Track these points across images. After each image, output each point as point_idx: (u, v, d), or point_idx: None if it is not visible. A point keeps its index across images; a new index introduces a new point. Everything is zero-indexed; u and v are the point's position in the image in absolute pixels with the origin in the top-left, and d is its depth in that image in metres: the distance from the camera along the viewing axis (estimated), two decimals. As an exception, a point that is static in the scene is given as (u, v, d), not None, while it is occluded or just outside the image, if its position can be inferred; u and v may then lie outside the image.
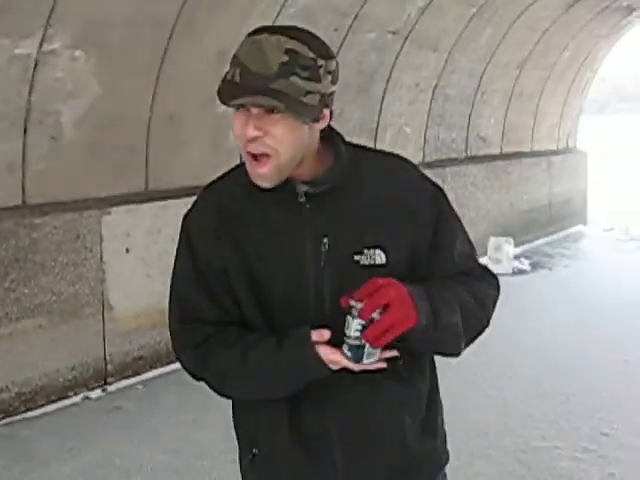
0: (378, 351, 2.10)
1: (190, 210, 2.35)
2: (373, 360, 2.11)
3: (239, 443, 2.47)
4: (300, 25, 2.19)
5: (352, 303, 2.04)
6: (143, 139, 7.09)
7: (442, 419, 2.51)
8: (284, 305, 2.24)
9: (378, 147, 9.99)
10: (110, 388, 6.82)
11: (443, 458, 2.51)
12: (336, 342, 2.10)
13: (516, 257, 12.00)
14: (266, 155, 2.10)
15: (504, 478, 5.23)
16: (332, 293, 2.18)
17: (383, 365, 2.14)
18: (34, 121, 6.29)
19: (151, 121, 7.10)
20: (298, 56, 2.03)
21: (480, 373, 7.17)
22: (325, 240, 2.21)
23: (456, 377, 6.78)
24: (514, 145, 13.47)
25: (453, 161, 11.71)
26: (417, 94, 10.69)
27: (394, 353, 2.15)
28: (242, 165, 2.29)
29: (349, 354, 2.09)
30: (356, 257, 2.19)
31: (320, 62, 2.07)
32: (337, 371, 2.13)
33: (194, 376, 2.35)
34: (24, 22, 5.95)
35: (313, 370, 2.13)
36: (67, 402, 6.52)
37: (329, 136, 2.28)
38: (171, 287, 2.37)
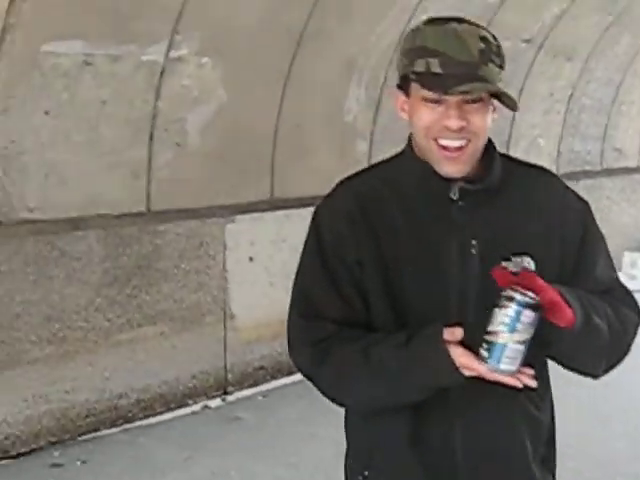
0: (519, 359, 1.87)
1: (323, 201, 2.23)
2: (510, 370, 1.88)
3: (347, 461, 2.32)
4: (491, 34, 1.99)
5: (512, 292, 1.85)
6: (269, 147, 6.87)
7: (555, 457, 2.34)
8: (421, 309, 2.08)
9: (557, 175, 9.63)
10: (230, 398, 6.64)
11: None
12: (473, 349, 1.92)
13: (652, 273, 11.38)
14: (466, 143, 1.99)
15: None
16: (476, 301, 2.03)
17: (518, 384, 1.92)
18: (160, 128, 6.13)
19: (278, 129, 6.88)
20: (490, 43, 1.98)
21: (609, 400, 6.71)
22: (474, 243, 2.08)
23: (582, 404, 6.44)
24: (652, 158, 12.81)
25: (587, 174, 11.21)
26: (552, 104, 10.26)
27: (531, 372, 1.93)
28: (381, 164, 2.27)
29: (486, 354, 1.87)
30: (504, 263, 2.01)
31: (502, 49, 2.02)
32: (468, 379, 1.92)
33: (307, 376, 2.18)
34: (151, 29, 5.80)
35: (442, 372, 1.92)
36: (186, 410, 6.35)
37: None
38: (295, 279, 2.23)
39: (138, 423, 6.06)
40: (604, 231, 8.12)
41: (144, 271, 6.03)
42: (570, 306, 1.92)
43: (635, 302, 2.25)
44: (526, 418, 2.17)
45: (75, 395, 5.74)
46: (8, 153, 5.36)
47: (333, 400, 2.17)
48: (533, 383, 1.93)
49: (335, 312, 2.09)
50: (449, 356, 1.89)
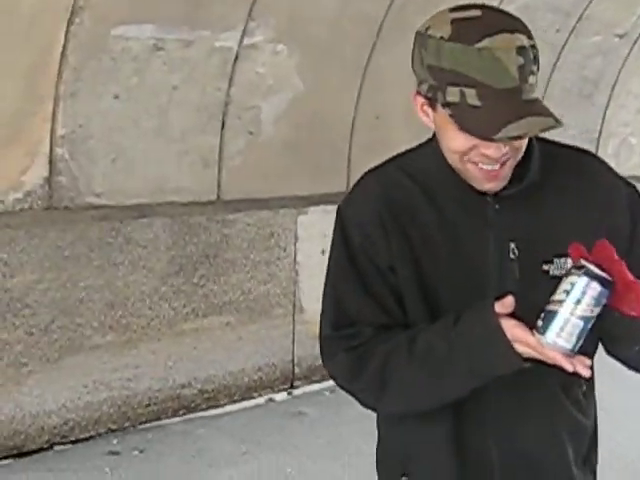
0: (575, 337, 1.63)
1: (347, 200, 2.00)
2: (564, 347, 1.63)
3: (381, 462, 2.12)
4: (528, 29, 1.67)
5: (584, 262, 1.63)
6: (346, 138, 6.62)
7: (597, 455, 2.11)
8: (462, 292, 1.86)
9: (600, 157, 9.31)
10: (296, 392, 6.42)
11: None
12: None
13: None
14: (504, 164, 1.77)
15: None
16: (516, 307, 1.70)
17: (570, 367, 1.64)
18: (232, 116, 5.93)
19: (355, 120, 6.63)
20: (527, 51, 1.67)
21: None
22: (512, 246, 1.86)
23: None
24: None
25: (679, 175, 10.73)
26: (645, 103, 9.82)
27: (589, 362, 1.68)
28: (406, 154, 2.03)
29: (541, 324, 1.64)
30: (545, 266, 1.84)
31: (537, 49, 1.72)
32: (527, 360, 1.69)
33: (345, 387, 1.97)
34: (225, 14, 5.59)
35: (497, 350, 1.68)
36: (250, 403, 6.14)
37: None
38: (325, 287, 2.01)
39: (200, 414, 5.87)
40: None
41: (212, 260, 5.83)
42: None
43: None
44: (570, 424, 1.96)
45: (137, 383, 5.57)
46: (75, 137, 5.21)
47: (376, 409, 2.00)
48: (587, 372, 1.67)
49: (371, 317, 1.89)
50: (499, 326, 1.67)
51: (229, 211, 5.92)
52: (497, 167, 1.75)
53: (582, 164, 1.98)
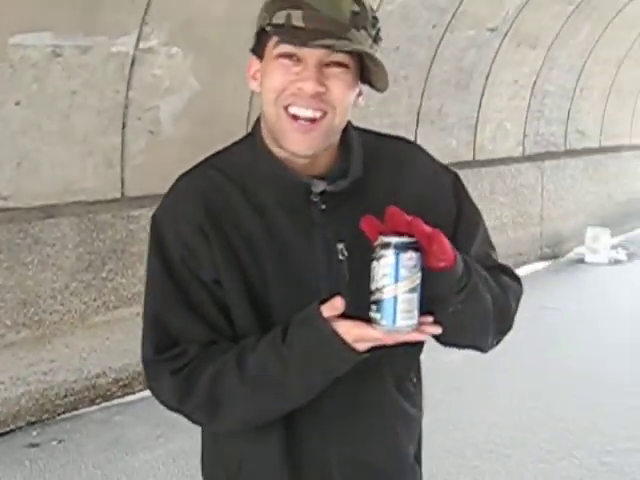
0: (414, 309, 1.51)
1: (162, 207, 1.78)
2: (410, 324, 1.51)
3: (207, 474, 1.92)
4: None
5: (384, 239, 1.50)
6: (242, 132, 6.56)
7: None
8: (289, 301, 1.68)
9: (478, 143, 9.48)
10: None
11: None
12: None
13: (613, 247, 11.25)
14: (322, 115, 1.61)
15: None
16: (351, 302, 1.54)
17: (422, 337, 1.58)
18: (132, 117, 5.88)
19: (250, 115, 6.60)
20: (365, 10, 1.59)
21: (562, 371, 6.48)
22: (341, 247, 1.70)
23: (537, 371, 6.25)
24: (612, 139, 12.73)
25: (552, 154, 11.05)
26: (517, 90, 10.04)
27: (430, 319, 1.58)
28: (221, 153, 1.83)
29: (377, 316, 1.50)
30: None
31: (378, 25, 1.64)
32: (369, 351, 1.55)
33: (175, 409, 1.74)
34: (120, 20, 5.53)
35: (335, 354, 1.55)
36: (163, 388, 6.06)
37: None
38: (144, 309, 1.79)
39: (116, 401, 5.84)
40: (568, 208, 8.20)
41: (119, 255, 5.78)
42: (455, 256, 1.57)
43: (514, 273, 1.92)
44: (403, 417, 1.85)
45: (53, 376, 5.51)
46: (-20, 143, 5.10)
47: (211, 428, 1.82)
48: (438, 330, 1.58)
49: (196, 335, 1.69)
50: (334, 331, 1.52)
51: (133, 207, 5.86)
52: (310, 115, 1.60)
53: (404, 154, 1.85)
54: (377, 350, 1.57)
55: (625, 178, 12.88)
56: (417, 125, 8.54)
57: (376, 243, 1.52)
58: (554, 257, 10.88)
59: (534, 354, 6.66)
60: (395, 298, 1.50)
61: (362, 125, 1.87)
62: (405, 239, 1.50)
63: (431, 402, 2.09)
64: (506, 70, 9.64)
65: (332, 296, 1.55)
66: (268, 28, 1.58)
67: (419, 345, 1.79)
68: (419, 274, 1.52)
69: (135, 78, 5.78)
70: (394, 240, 1.49)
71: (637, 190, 13.31)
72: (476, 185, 9.28)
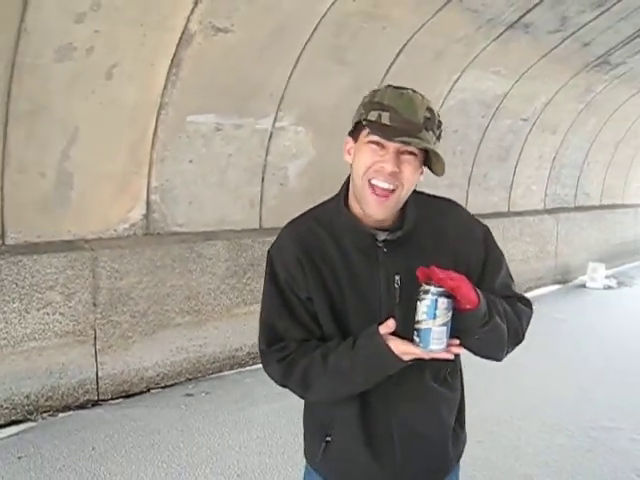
0: (444, 337, 1.52)
1: (274, 245, 1.78)
2: (440, 348, 1.53)
3: (309, 433, 1.91)
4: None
5: (427, 287, 1.51)
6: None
7: (465, 411, 1.96)
8: (360, 330, 1.64)
9: (512, 199, 9.20)
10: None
11: (464, 444, 1.97)
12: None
13: (607, 277, 10.68)
14: (394, 189, 1.59)
15: (576, 449, 4.24)
16: (402, 321, 1.57)
17: (450, 356, 1.56)
18: (269, 173, 5.81)
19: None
20: (434, 116, 1.58)
21: (564, 364, 6.14)
22: (397, 278, 1.67)
23: (546, 365, 5.94)
24: (610, 199, 12.20)
25: (565, 209, 10.60)
26: (541, 163, 9.67)
27: (457, 342, 1.57)
28: (319, 207, 1.82)
29: (418, 340, 1.53)
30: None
31: (442, 127, 1.63)
32: (410, 362, 1.58)
33: (281, 385, 1.79)
34: (263, 107, 5.48)
35: (386, 361, 1.57)
36: (281, 360, 5.97)
37: None
38: (261, 314, 1.79)
39: (248, 368, 5.73)
40: (575, 248, 7.83)
41: (255, 268, 5.71)
42: (475, 291, 1.55)
43: (529, 301, 1.85)
44: (442, 400, 1.80)
45: (205, 348, 5.46)
46: (164, 188, 5.11)
47: (305, 399, 1.82)
48: (461, 350, 1.60)
49: (294, 334, 1.71)
50: (386, 345, 1.54)
51: (267, 235, 5.76)
52: (387, 186, 1.58)
53: (446, 210, 1.80)
54: (418, 360, 1.59)
55: (618, 227, 12.32)
56: (469, 185, 8.29)
57: (421, 288, 1.52)
58: (564, 282, 10.46)
59: (546, 351, 6.36)
60: (430, 330, 1.51)
61: (432, 182, 1.83)
62: (441, 289, 1.50)
63: (466, 380, 1.98)
64: (533, 148, 9.28)
65: (387, 318, 1.57)
66: (364, 122, 1.57)
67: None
68: (450, 313, 1.52)
69: (272, 147, 5.72)
70: (433, 289, 1.50)
71: (626, 236, 12.73)
72: (509, 229, 9.00)
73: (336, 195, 1.80)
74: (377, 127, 1.55)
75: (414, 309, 1.54)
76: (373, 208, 1.62)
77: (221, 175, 5.45)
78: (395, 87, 1.62)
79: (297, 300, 1.71)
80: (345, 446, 1.79)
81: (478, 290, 1.57)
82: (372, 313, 1.66)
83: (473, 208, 8.14)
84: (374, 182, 1.59)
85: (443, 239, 1.71)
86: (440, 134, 1.63)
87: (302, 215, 1.83)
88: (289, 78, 5.45)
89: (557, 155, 9.91)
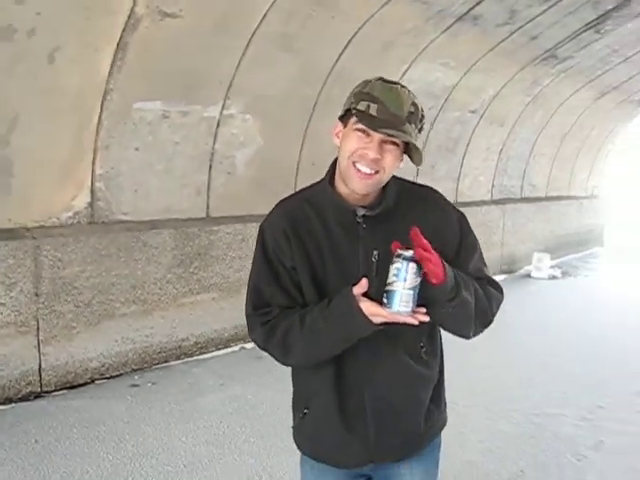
0: (411, 302, 1.62)
1: (266, 220, 1.90)
2: (406, 311, 1.62)
3: (294, 401, 2.02)
4: (421, 106, 1.76)
5: (400, 251, 1.63)
6: (293, 176, 6.49)
7: (444, 392, 2.06)
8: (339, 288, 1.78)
9: (460, 190, 9.34)
10: (259, 342, 6.23)
11: (442, 425, 2.06)
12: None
13: (552, 267, 10.98)
14: (375, 172, 1.71)
15: (520, 436, 4.36)
16: (375, 292, 1.68)
17: (414, 321, 1.66)
18: (216, 162, 5.79)
19: (299, 164, 6.51)
20: (417, 110, 1.72)
21: (509, 352, 6.30)
22: (375, 253, 1.79)
23: (492, 353, 6.08)
24: (555, 191, 12.48)
25: (512, 200, 10.83)
26: (488, 154, 9.84)
27: (423, 310, 1.67)
28: (308, 188, 1.93)
29: (386, 301, 1.63)
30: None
31: (424, 121, 1.77)
32: (380, 326, 1.68)
33: (263, 349, 1.89)
34: (210, 95, 5.45)
35: (356, 321, 1.68)
36: (229, 350, 5.98)
37: None
38: (249, 280, 1.91)
39: (195, 358, 5.72)
40: (522, 238, 8.03)
41: (202, 257, 5.70)
42: (444, 268, 1.66)
43: (499, 286, 1.95)
44: (417, 376, 1.89)
45: (152, 338, 5.43)
46: (109, 176, 5.05)
47: (284, 363, 1.89)
48: (426, 318, 1.67)
49: (279, 300, 1.83)
50: (358, 306, 1.67)
51: (214, 224, 5.77)
52: (368, 171, 1.70)
53: (425, 195, 1.91)
54: (388, 326, 1.67)
55: (563, 219, 12.64)
56: (416, 176, 8.38)
57: (394, 253, 1.63)
58: (510, 272, 10.69)
59: (490, 340, 6.48)
60: (398, 292, 1.61)
61: None
62: (411, 254, 1.61)
63: None
64: (481, 140, 9.45)
65: (361, 279, 1.70)
66: (354, 111, 1.69)
67: (423, 328, 1.79)
68: (418, 279, 1.62)
69: (219, 135, 5.70)
70: (405, 254, 1.61)
71: (571, 227, 13.06)
72: (457, 219, 9.16)
73: (323, 178, 1.90)
74: (365, 117, 1.66)
75: (384, 286, 1.65)
76: (356, 184, 1.73)
77: (168, 163, 5.41)
78: (385, 81, 1.72)
79: (283, 269, 1.82)
80: (320, 417, 1.89)
81: (449, 268, 1.68)
82: (350, 282, 1.74)
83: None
84: (358, 166, 1.71)
85: (421, 220, 1.76)
86: (422, 127, 1.75)
87: (292, 195, 1.94)
88: (237, 66, 5.43)
89: (504, 147, 10.10)
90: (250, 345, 6.08)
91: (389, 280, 1.62)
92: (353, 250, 1.80)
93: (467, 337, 1.88)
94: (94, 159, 4.89)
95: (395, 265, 1.61)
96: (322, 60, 6.12)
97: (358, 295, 1.68)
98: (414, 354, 1.87)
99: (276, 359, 1.87)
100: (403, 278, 1.60)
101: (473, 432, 4.37)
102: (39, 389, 4.71)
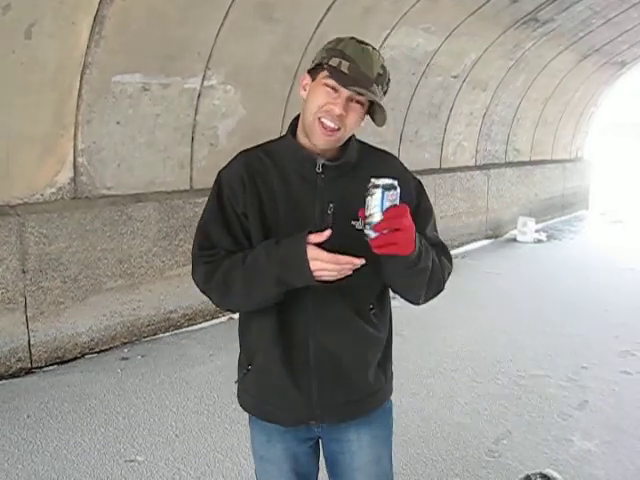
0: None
1: (225, 168, 1.91)
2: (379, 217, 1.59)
3: (239, 359, 2.01)
4: (389, 70, 1.77)
5: (375, 181, 1.60)
6: (276, 147, 6.47)
7: (391, 364, 2.04)
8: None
9: (444, 156, 9.36)
10: (247, 313, 6.28)
11: (388, 394, 2.03)
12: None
13: (537, 231, 11.08)
14: (338, 129, 1.74)
15: (506, 397, 4.47)
16: (329, 245, 1.64)
17: (358, 261, 1.62)
18: (198, 133, 5.79)
19: (281, 134, 6.48)
20: (385, 73, 1.76)
21: (494, 316, 6.39)
22: (331, 206, 1.80)
23: (478, 317, 6.17)
24: (539, 155, 12.50)
25: (496, 165, 10.83)
26: (471, 119, 9.84)
27: (362, 261, 1.63)
28: (270, 141, 1.96)
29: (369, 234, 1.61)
30: (352, 222, 1.75)
31: (389, 84, 1.80)
32: (317, 281, 1.67)
33: (203, 291, 1.88)
34: (191, 66, 5.43)
35: (299, 267, 1.64)
36: (217, 321, 6.03)
37: None
38: (198, 223, 1.92)
39: (183, 330, 5.78)
40: (506, 202, 8.11)
41: (187, 229, 5.71)
42: (413, 242, 1.66)
43: (450, 255, 1.95)
44: (364, 336, 1.87)
45: (140, 311, 5.47)
46: (91, 150, 5.04)
47: (223, 307, 1.91)
48: (360, 260, 1.62)
49: (225, 244, 1.83)
50: (304, 250, 1.63)
51: (198, 196, 5.77)
52: (332, 125, 1.72)
53: (386, 159, 1.94)
54: (331, 284, 1.67)
55: (547, 182, 12.67)
56: (400, 143, 8.41)
57: (369, 185, 1.59)
58: (495, 237, 10.77)
59: (477, 304, 6.59)
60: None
61: (364, 139, 1.95)
62: (389, 181, 1.58)
63: (401, 335, 2.08)
64: (464, 105, 9.45)
65: (323, 230, 1.65)
66: (326, 66, 1.71)
67: (374, 289, 1.87)
68: (397, 202, 1.60)
69: (201, 106, 5.69)
70: (381, 182, 1.58)
71: (555, 191, 13.11)
72: (441, 185, 9.19)
73: (285, 134, 1.93)
74: (336, 73, 1.69)
75: (342, 235, 1.68)
76: (318, 139, 1.76)
77: (150, 136, 5.40)
78: (358, 41, 1.75)
79: (234, 216, 1.83)
80: (263, 372, 1.89)
81: (418, 237, 1.68)
82: (303, 230, 1.72)
83: (405, 165, 8.27)
84: (323, 120, 1.73)
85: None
86: (387, 90, 1.79)
87: (254, 147, 1.94)
88: (216, 36, 5.41)
89: (487, 112, 10.11)
90: (237, 315, 6.14)
91: (369, 211, 1.59)
92: (309, 200, 1.81)
93: (416, 303, 1.89)
94: (75, 134, 4.88)
95: (375, 196, 1.58)
96: (302, 28, 6.10)
97: (311, 243, 1.64)
98: (363, 314, 1.87)
99: (216, 302, 1.88)
100: (382, 207, 1.58)
101: (460, 395, 4.47)
102: (29, 365, 4.75)
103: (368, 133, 2.06)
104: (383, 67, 1.74)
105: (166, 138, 5.53)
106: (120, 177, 5.27)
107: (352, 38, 1.76)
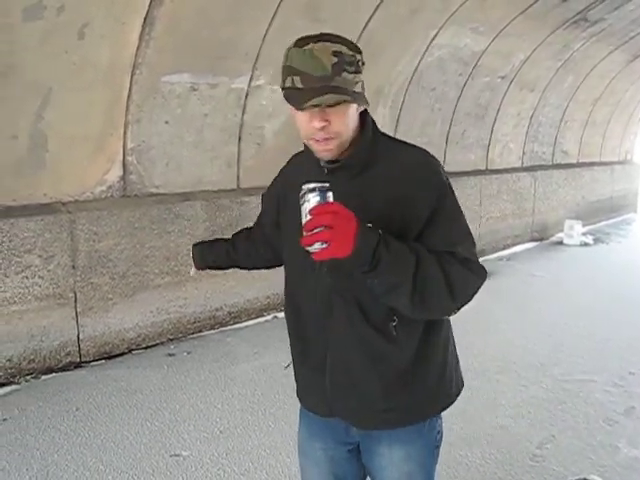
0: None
1: (283, 167, 2.08)
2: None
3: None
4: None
5: (308, 185, 1.45)
6: (322, 147, 6.45)
7: (436, 376, 1.84)
8: (291, 246, 1.80)
9: (490, 157, 9.24)
10: (291, 311, 6.28)
11: (421, 414, 1.82)
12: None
13: (584, 234, 10.82)
14: (331, 138, 1.59)
15: (550, 401, 4.36)
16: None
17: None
18: (245, 133, 5.80)
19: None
20: (343, 55, 1.53)
21: (540, 319, 6.27)
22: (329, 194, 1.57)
23: (522, 320, 6.05)
24: (587, 157, 12.26)
25: (543, 167, 10.65)
26: (519, 120, 9.69)
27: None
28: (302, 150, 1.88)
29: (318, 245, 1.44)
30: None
31: (357, 57, 1.56)
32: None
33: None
34: (238, 66, 5.44)
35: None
36: (261, 319, 6.03)
37: (365, 121, 1.73)
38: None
39: (228, 327, 5.80)
40: (553, 205, 7.94)
41: (234, 228, 5.65)
42: (355, 243, 1.44)
43: (481, 266, 1.69)
44: (379, 349, 1.71)
45: (186, 309, 5.50)
46: (141, 149, 5.08)
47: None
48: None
49: (255, 226, 2.36)
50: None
51: (245, 195, 5.79)
52: (323, 135, 1.58)
53: (409, 154, 1.71)
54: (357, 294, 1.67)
55: (595, 185, 12.43)
56: (446, 144, 8.31)
57: (302, 192, 1.43)
58: (541, 239, 10.59)
59: (523, 307, 6.48)
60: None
61: (409, 140, 1.80)
62: (316, 184, 1.43)
63: None
64: (511, 106, 9.31)
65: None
66: (282, 91, 1.60)
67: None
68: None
69: (248, 106, 5.69)
70: (317, 185, 1.42)
71: (603, 194, 12.86)
72: (487, 187, 9.06)
73: None
74: (292, 94, 1.55)
75: None
76: (320, 154, 1.66)
77: (197, 135, 5.43)
78: (298, 44, 1.56)
79: (263, 210, 2.22)
80: (295, 364, 1.96)
81: (364, 242, 1.47)
82: (293, 235, 1.63)
83: (451, 166, 8.17)
84: (313, 137, 1.61)
85: (388, 182, 1.67)
86: (358, 65, 1.58)
87: (298, 153, 1.99)
88: (264, 37, 5.41)
89: (535, 113, 9.94)
90: (282, 314, 6.14)
91: (305, 220, 1.42)
92: None
93: (410, 315, 1.64)
94: (125, 133, 4.93)
95: (312, 201, 1.42)
96: (349, 28, 6.05)
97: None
98: (381, 326, 1.69)
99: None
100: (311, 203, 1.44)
101: (504, 398, 4.38)
102: (78, 359, 4.82)
103: (414, 134, 1.99)
104: (336, 52, 1.52)
105: (214, 138, 5.55)
106: (168, 176, 5.31)
107: (295, 44, 1.56)
